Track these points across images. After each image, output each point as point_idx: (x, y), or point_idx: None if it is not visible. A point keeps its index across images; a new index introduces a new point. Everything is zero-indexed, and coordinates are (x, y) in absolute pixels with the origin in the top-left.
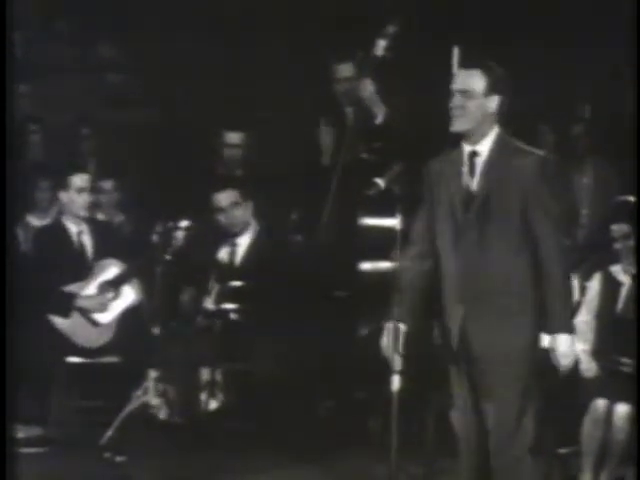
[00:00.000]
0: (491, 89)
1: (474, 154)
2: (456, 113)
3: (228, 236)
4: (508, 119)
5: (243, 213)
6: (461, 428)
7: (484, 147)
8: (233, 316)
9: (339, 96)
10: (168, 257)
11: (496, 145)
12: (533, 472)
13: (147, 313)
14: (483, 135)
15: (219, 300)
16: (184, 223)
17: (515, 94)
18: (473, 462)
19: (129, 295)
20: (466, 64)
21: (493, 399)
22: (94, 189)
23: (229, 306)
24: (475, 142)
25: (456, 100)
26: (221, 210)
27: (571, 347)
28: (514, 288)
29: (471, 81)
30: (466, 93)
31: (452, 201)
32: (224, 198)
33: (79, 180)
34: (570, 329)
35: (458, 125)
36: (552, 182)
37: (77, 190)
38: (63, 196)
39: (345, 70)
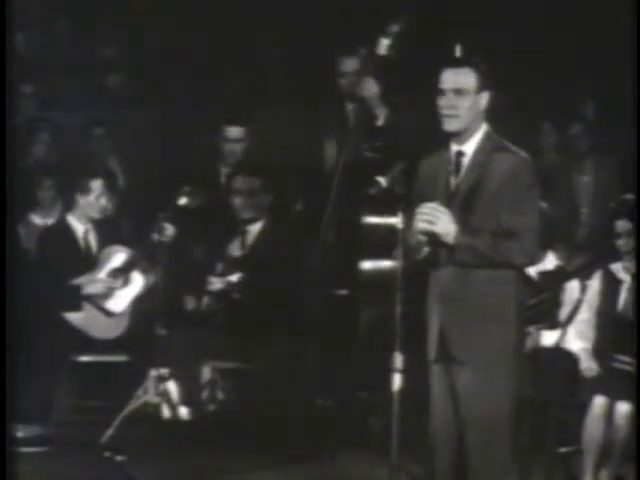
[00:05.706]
0: (481, 86)
1: (460, 154)
2: (448, 113)
3: (237, 222)
4: (504, 117)
5: (259, 203)
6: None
7: (470, 147)
8: (236, 296)
9: (342, 90)
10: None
11: (482, 144)
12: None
13: (150, 308)
14: (471, 134)
15: (225, 272)
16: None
17: (515, 94)
18: (448, 465)
19: (138, 281)
20: (454, 62)
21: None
22: (105, 192)
23: (233, 278)
24: (463, 141)
25: (448, 99)
26: (239, 192)
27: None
28: (494, 287)
29: (463, 79)
30: (458, 92)
31: (437, 199)
32: (246, 182)
33: (98, 184)
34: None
35: (451, 125)
36: (529, 183)
37: (96, 195)
38: (80, 199)
39: (350, 64)
